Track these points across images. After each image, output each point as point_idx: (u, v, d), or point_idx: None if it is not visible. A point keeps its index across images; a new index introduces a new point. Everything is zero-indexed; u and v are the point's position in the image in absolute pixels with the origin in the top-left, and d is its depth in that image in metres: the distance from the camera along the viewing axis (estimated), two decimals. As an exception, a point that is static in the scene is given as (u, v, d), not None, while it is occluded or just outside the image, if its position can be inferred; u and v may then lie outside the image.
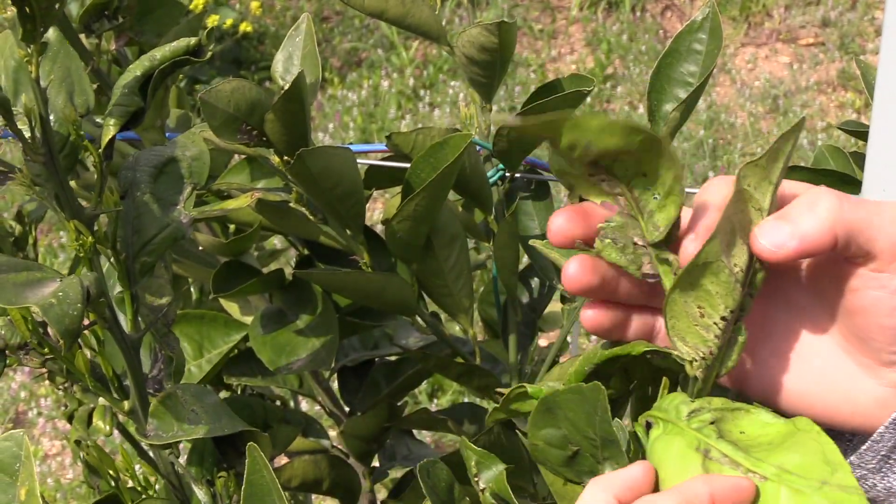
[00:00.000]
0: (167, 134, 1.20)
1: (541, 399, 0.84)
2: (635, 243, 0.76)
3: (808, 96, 4.47)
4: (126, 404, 0.93)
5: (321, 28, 4.89)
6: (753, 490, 0.73)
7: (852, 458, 0.85)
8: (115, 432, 1.06)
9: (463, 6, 4.84)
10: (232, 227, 1.27)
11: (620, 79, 4.63)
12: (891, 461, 0.85)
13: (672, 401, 0.79)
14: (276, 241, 2.83)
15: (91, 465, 1.21)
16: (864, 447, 0.84)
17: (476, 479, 0.97)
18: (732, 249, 0.73)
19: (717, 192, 0.82)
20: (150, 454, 1.08)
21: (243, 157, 1.18)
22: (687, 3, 5.04)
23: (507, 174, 1.17)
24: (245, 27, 4.53)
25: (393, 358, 1.30)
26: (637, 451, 0.83)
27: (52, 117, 0.81)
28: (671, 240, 0.75)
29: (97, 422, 1.07)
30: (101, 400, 1.05)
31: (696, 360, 0.77)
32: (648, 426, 0.81)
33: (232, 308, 1.30)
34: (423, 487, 0.91)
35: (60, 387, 1.25)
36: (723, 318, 0.74)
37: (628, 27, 4.87)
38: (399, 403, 1.30)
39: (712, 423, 0.75)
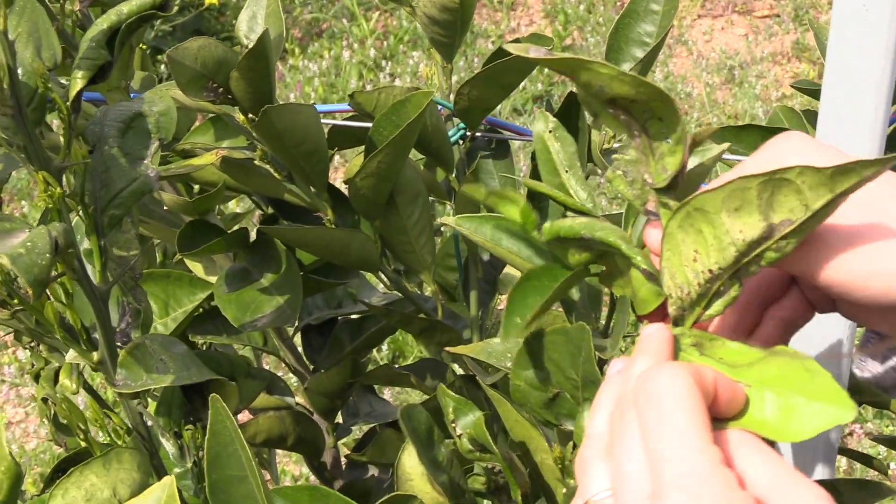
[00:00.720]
0: (131, 95, 1.20)
1: (525, 340, 0.86)
2: (644, 180, 0.77)
3: (762, 67, 4.50)
4: (95, 355, 0.93)
5: (282, -1, 4.90)
6: (745, 396, 0.74)
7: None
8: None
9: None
10: (196, 187, 1.27)
11: (578, 49, 4.66)
12: None
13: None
14: (238, 207, 2.83)
15: (59, 423, 1.21)
16: None
17: (453, 425, 0.98)
18: (742, 215, 0.73)
19: (774, 154, 0.84)
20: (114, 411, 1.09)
21: (207, 117, 1.18)
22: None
23: (468, 133, 1.18)
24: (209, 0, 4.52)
25: (356, 316, 1.31)
26: None
27: (19, 71, 0.81)
28: (675, 186, 0.76)
29: (63, 380, 1.07)
30: (69, 357, 1.05)
31: (674, 298, 0.78)
32: None
33: (196, 268, 1.30)
34: (405, 430, 0.92)
35: (27, 346, 1.25)
36: (710, 271, 0.74)
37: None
38: (362, 360, 1.31)
39: (693, 345, 0.76)
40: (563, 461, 0.91)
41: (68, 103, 0.81)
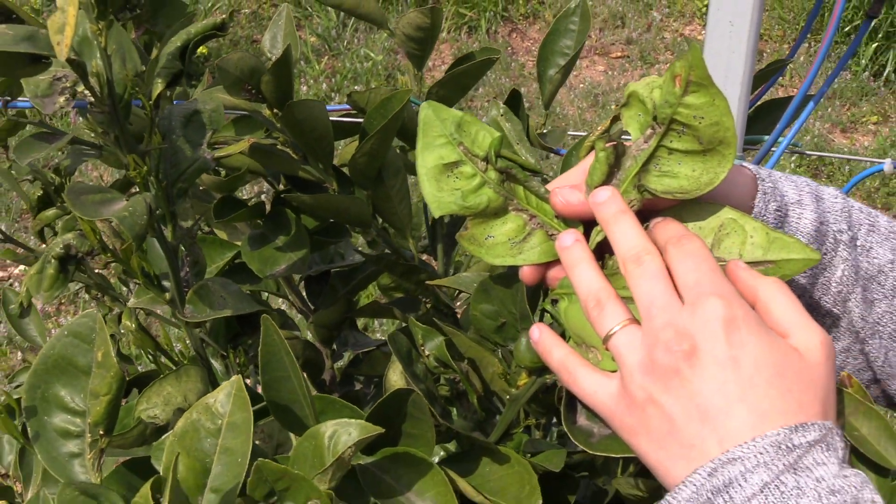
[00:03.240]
0: (174, 101, 1.21)
1: (480, 281, 0.88)
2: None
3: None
4: (167, 295, 0.95)
5: (253, 47, 4.93)
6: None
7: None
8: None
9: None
10: (223, 172, 1.29)
11: (481, 83, 4.75)
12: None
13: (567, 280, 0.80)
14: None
15: (121, 355, 1.22)
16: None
17: (422, 347, 1.00)
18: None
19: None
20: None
21: (230, 119, 1.19)
22: (527, 26, 5.18)
23: None
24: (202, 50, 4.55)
25: (346, 268, 1.33)
26: (549, 320, 0.85)
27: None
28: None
29: (125, 321, 1.09)
30: (130, 303, 1.07)
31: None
32: (554, 303, 0.82)
33: (222, 235, 1.32)
34: (392, 349, 0.93)
35: (94, 297, 1.26)
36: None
37: (484, 44, 5.06)
38: (353, 301, 1.33)
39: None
40: (506, 374, 0.92)
41: (151, 102, 0.84)
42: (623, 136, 0.78)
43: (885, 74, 4.83)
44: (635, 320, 0.74)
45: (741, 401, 0.70)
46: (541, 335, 0.79)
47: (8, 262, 3.76)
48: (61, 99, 0.83)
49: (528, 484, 0.85)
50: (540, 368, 0.86)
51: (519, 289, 0.86)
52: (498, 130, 1.09)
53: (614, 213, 0.76)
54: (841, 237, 0.86)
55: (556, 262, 0.81)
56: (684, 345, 0.71)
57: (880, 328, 0.88)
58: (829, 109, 4.64)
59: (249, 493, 0.73)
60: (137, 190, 0.92)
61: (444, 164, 0.80)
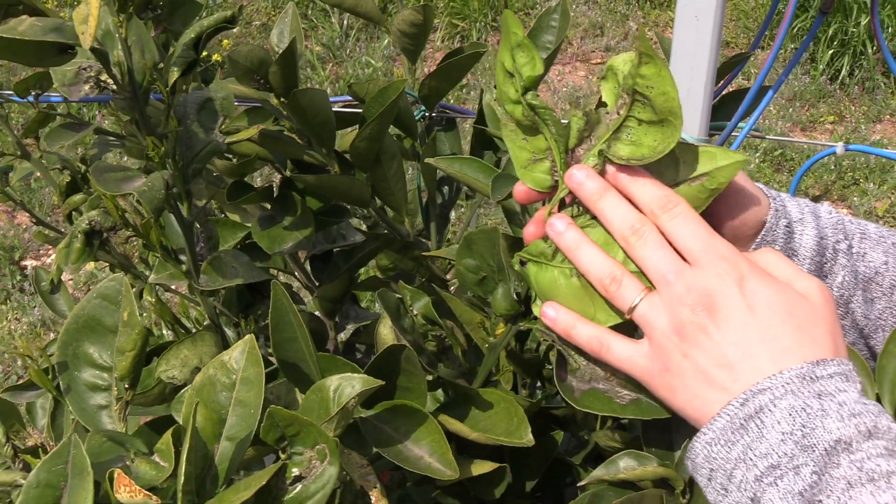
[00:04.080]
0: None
1: (464, 237, 0.89)
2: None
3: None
4: (184, 267, 0.96)
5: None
6: None
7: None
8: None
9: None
10: (234, 158, 1.29)
11: (472, 87, 4.75)
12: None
13: (537, 246, 0.80)
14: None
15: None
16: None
17: (411, 307, 1.01)
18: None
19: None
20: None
21: (242, 110, 1.20)
22: (519, 33, 5.23)
23: (427, 113, 1.21)
24: (216, 57, 4.53)
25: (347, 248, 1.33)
26: (519, 277, 0.87)
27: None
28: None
29: (146, 296, 1.09)
30: (150, 279, 1.07)
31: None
32: (522, 264, 0.81)
33: (234, 217, 1.32)
34: (381, 304, 0.93)
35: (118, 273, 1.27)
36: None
37: (474, 49, 5.13)
38: (354, 276, 1.33)
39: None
40: (484, 324, 0.92)
41: (168, 88, 0.84)
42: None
43: (840, 78, 4.84)
44: (649, 288, 0.76)
45: (762, 342, 0.72)
46: (557, 314, 0.80)
47: (42, 252, 3.76)
48: (86, 87, 0.84)
49: (516, 416, 0.86)
50: (514, 316, 0.87)
51: (496, 242, 0.87)
52: (491, 112, 1.10)
53: (597, 189, 0.77)
54: (839, 247, 0.88)
55: (541, 205, 0.82)
56: (707, 303, 0.73)
57: (882, 322, 0.90)
58: (790, 110, 4.65)
59: (262, 438, 0.73)
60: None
61: (505, 69, 0.80)
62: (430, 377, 0.88)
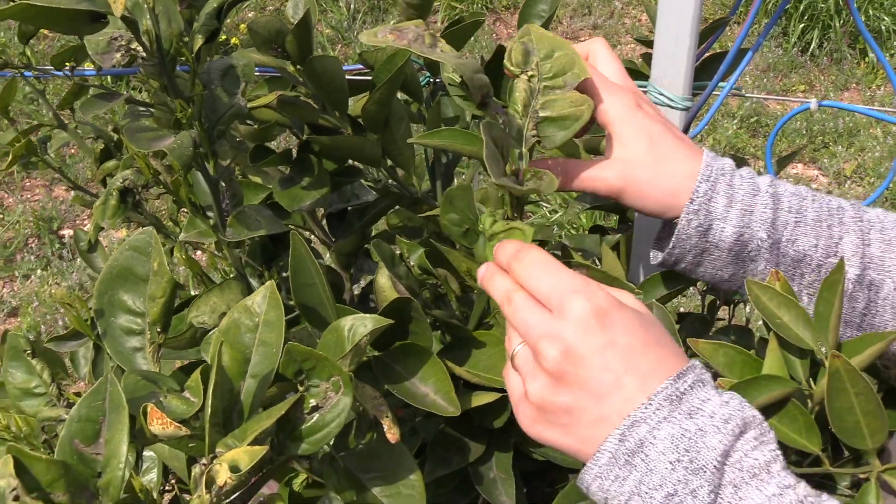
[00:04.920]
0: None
1: (445, 193, 0.88)
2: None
3: None
4: (211, 220, 0.95)
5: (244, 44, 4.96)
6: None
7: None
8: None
9: None
10: (255, 125, 1.28)
11: (473, 56, 4.72)
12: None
13: (483, 222, 0.84)
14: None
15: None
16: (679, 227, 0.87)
17: (407, 258, 1.00)
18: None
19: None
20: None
21: (263, 79, 1.18)
22: (509, 16, 5.15)
23: (432, 79, 1.20)
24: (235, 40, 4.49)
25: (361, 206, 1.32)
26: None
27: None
28: None
29: (176, 253, 1.09)
30: (181, 237, 1.06)
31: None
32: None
33: (256, 179, 1.32)
34: (377, 253, 0.93)
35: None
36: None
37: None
38: (367, 232, 1.33)
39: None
40: (470, 272, 0.93)
41: (193, 55, 0.83)
42: None
43: (810, 50, 4.81)
44: None
45: (627, 372, 0.70)
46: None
47: (77, 223, 3.76)
48: (117, 55, 0.83)
49: (503, 359, 0.86)
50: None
51: (471, 197, 0.87)
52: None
53: (487, 277, 0.79)
54: (763, 245, 0.87)
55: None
56: (560, 347, 0.71)
57: (811, 290, 0.88)
58: (765, 80, 4.62)
59: (282, 372, 0.73)
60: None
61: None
62: (427, 319, 0.88)
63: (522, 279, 0.75)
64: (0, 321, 3.31)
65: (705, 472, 0.65)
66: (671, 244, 0.88)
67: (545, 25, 1.13)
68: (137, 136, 0.80)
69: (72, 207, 3.78)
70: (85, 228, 3.72)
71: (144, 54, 0.81)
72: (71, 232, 3.72)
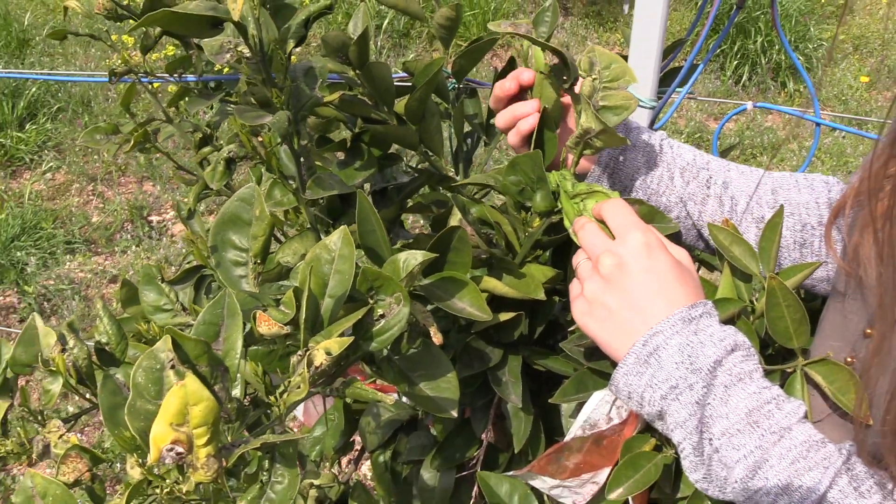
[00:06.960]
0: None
1: (509, 162, 0.90)
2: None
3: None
4: (293, 184, 0.99)
5: (310, 51, 4.89)
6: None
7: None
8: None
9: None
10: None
11: (488, 65, 4.71)
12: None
13: (564, 183, 0.86)
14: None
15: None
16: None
17: (469, 215, 1.03)
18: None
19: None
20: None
21: (325, 84, 1.21)
22: (503, 52, 5.11)
23: (457, 85, 1.22)
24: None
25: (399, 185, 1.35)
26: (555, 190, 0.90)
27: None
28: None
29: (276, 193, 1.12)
30: (268, 204, 1.09)
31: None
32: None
33: (318, 162, 1.35)
34: (454, 202, 0.97)
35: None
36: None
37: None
38: (404, 204, 1.35)
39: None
40: (525, 220, 0.94)
41: (286, 56, 0.87)
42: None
43: (741, 82, 4.84)
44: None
45: (659, 294, 0.74)
46: (581, 222, 0.84)
47: (162, 211, 3.79)
48: (227, 55, 0.86)
49: (533, 283, 0.89)
50: (548, 212, 0.90)
51: (537, 159, 0.89)
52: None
53: (580, 224, 0.83)
54: (664, 175, 0.93)
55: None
56: (616, 260, 0.75)
57: (695, 196, 0.93)
58: (706, 104, 4.66)
59: (357, 288, 0.77)
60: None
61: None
62: (485, 256, 0.91)
63: (605, 214, 0.80)
64: (104, 286, 3.36)
65: (701, 372, 0.69)
66: None
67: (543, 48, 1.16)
68: (245, 114, 0.83)
69: (157, 199, 3.81)
70: (168, 218, 3.75)
71: (249, 54, 0.85)
72: (158, 217, 3.76)
